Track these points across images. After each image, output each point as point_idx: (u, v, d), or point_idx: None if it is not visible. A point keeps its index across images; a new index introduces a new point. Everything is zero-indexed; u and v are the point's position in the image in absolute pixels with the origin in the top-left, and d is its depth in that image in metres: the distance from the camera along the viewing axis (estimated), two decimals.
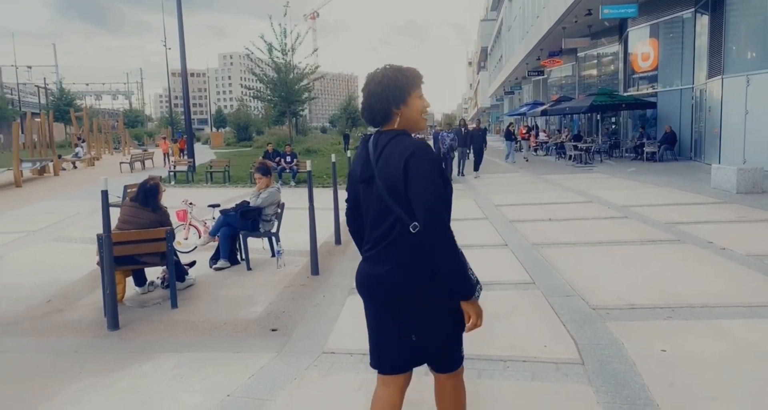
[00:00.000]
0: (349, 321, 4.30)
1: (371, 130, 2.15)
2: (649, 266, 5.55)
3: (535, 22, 28.58)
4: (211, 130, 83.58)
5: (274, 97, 22.33)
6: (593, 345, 3.63)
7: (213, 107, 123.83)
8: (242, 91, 24.97)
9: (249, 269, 6.11)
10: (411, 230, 1.91)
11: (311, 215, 5.80)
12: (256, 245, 6.75)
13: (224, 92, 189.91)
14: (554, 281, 5.14)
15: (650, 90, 21.51)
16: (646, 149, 19.26)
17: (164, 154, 26.79)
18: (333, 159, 7.45)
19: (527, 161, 21.81)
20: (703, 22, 17.51)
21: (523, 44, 33.65)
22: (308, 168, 5.74)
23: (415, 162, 1.89)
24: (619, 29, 23.59)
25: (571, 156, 20.56)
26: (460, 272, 1.96)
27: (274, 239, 6.42)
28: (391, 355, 2.11)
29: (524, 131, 25.18)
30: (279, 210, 6.39)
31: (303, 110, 37.57)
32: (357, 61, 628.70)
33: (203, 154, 36.01)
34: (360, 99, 2.15)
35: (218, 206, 7.16)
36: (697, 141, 18.63)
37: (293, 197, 12.19)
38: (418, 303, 2.00)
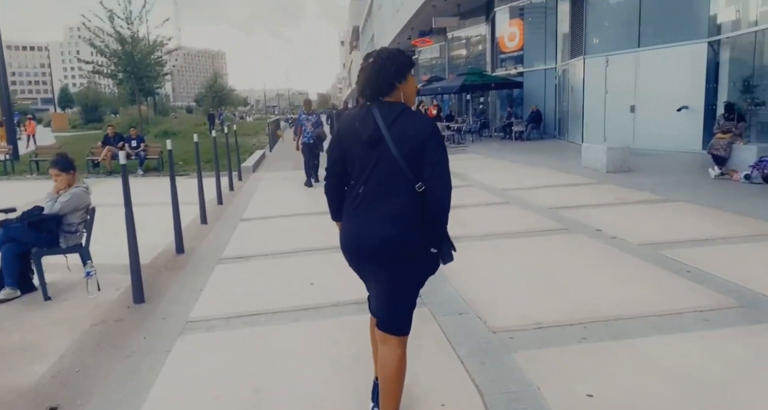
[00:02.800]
0: (171, 387, 3.02)
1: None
2: (544, 265, 4.86)
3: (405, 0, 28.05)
4: (55, 110, 74.18)
5: (119, 72, 19.45)
6: (503, 395, 2.73)
7: (58, 84, 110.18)
8: (83, 67, 21.29)
9: (47, 298, 4.52)
10: (417, 189, 2.20)
11: (128, 221, 4.35)
12: (63, 262, 5.12)
13: (72, 68, 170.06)
14: (443, 293, 4.24)
15: (517, 70, 21.91)
16: (515, 129, 19.56)
17: (29, 136, 26.65)
18: (168, 146, 5.93)
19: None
20: (566, 3, 17.90)
21: (394, 23, 33.11)
22: (122, 161, 4.24)
23: (435, 137, 2.20)
24: (486, 9, 23.75)
25: (443, 137, 20.36)
26: (446, 235, 2.33)
27: (83, 255, 4.84)
28: (375, 302, 2.38)
29: (434, 112, 21.23)
30: (88, 217, 4.82)
31: (159, 88, 33.91)
32: (225, 37, 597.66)
33: (42, 138, 31.36)
34: (355, 78, 2.36)
35: (13, 210, 5.37)
36: (561, 120, 19.26)
37: (139, 190, 10.27)
38: (409, 257, 2.23)
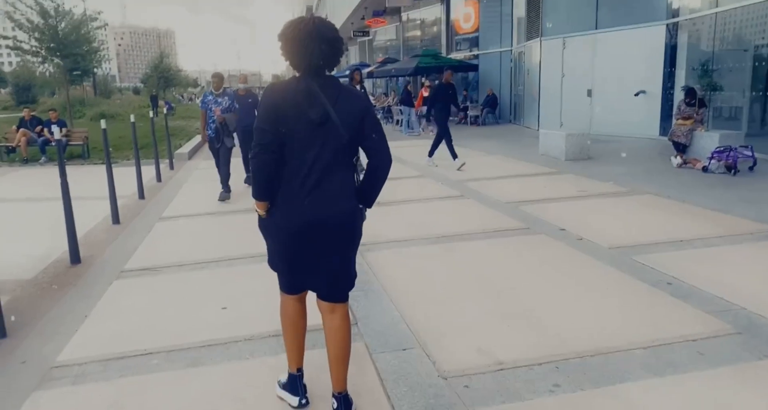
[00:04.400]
0: None
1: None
2: (504, 276, 4.16)
3: None
4: None
5: (41, 49, 17.63)
6: None
7: None
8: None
9: None
10: (354, 162, 2.35)
11: None
12: None
13: (7, 46, 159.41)
14: (384, 317, 3.47)
15: (472, 53, 21.26)
16: (470, 113, 18.96)
17: None
18: (57, 135, 4.85)
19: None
20: None
21: (347, 1, 31.87)
22: None
23: (371, 109, 2.33)
24: None
25: (398, 121, 19.57)
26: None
27: None
28: (318, 280, 2.37)
29: (425, 94, 17.06)
30: None
31: (96, 67, 31.59)
32: (174, 16, 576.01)
33: None
34: (306, 47, 2.17)
35: None
36: (517, 104, 18.77)
37: (52, 182, 9.01)
38: (356, 228, 2.34)
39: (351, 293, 3.69)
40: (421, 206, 6.66)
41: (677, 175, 8.12)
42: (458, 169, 8.99)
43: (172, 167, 10.91)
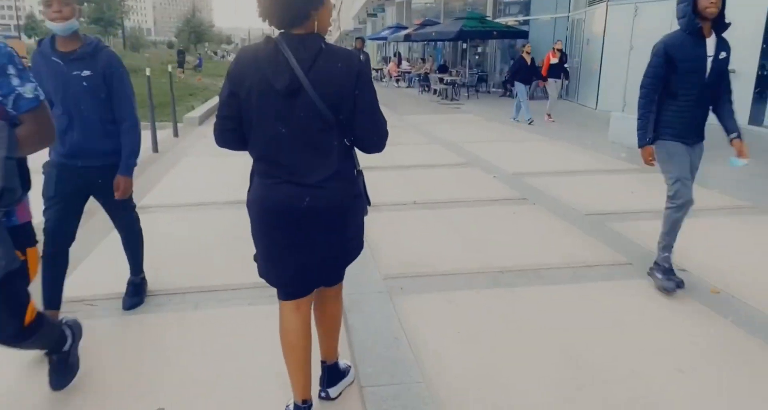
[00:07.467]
0: None
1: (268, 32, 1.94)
2: (622, 369, 2.56)
3: None
4: (20, 38, 69.03)
5: None
6: None
7: (28, 11, 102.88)
8: None
9: None
10: (346, 142, 1.90)
11: None
12: None
13: None
14: None
15: (517, 20, 19.10)
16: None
17: None
18: None
19: (552, 120, 11.71)
20: None
21: None
22: None
23: (365, 78, 1.84)
24: None
25: (436, 91, 17.76)
26: None
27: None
28: (311, 274, 2.00)
29: (555, 60, 12.21)
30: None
31: (121, 18, 30.26)
32: None
33: None
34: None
35: None
36: (571, 79, 16.73)
37: None
38: (349, 214, 1.96)
39: (374, 390, 2.50)
40: (470, 212, 5.04)
41: None
42: None
43: (176, 133, 9.41)
